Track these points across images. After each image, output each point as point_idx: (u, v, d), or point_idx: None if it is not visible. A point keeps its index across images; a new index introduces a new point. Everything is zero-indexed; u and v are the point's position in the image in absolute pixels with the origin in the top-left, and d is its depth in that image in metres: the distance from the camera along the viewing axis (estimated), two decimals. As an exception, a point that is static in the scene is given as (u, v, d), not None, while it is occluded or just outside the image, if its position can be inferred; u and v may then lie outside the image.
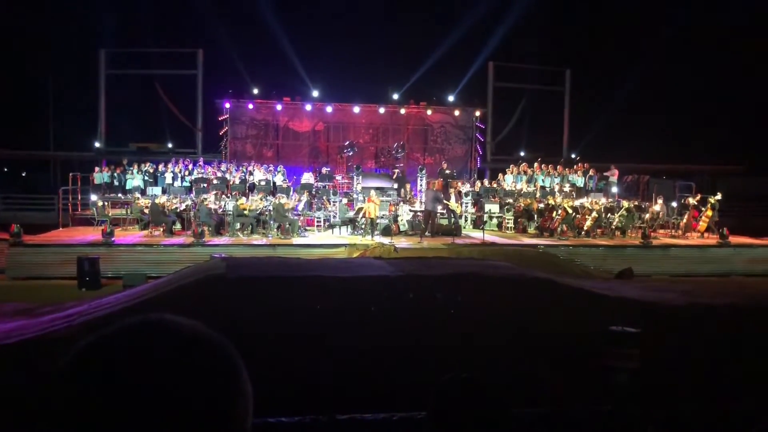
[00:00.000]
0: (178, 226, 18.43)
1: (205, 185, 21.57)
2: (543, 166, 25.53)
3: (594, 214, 19.56)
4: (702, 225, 20.03)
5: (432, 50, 29.38)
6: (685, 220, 20.45)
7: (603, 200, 22.08)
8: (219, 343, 0.90)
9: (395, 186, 22.67)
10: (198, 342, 0.88)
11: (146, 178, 22.76)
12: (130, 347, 0.85)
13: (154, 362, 0.83)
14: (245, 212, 18.33)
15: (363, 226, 18.42)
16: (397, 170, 24.49)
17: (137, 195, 20.64)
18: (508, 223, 20.83)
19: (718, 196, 20.23)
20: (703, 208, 20.22)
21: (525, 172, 25.17)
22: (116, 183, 22.67)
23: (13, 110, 31.03)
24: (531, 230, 20.40)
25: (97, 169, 22.91)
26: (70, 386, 0.82)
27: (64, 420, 0.81)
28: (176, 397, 0.82)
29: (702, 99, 31.41)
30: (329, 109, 28.04)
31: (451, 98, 29.30)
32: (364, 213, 18.22)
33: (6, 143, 29.06)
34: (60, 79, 31.09)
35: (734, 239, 19.00)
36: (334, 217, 19.73)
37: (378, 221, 18.66)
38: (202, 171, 23.21)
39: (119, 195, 22.06)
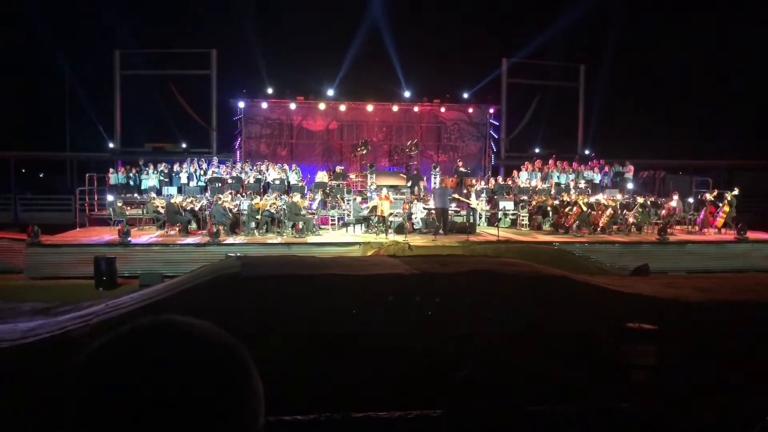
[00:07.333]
0: (193, 225, 18.55)
1: (220, 185, 21.67)
2: (558, 162, 25.38)
3: (609, 210, 19.43)
4: (719, 221, 19.84)
5: (445, 48, 29.29)
6: (701, 216, 20.27)
7: (618, 196, 21.93)
8: (228, 342, 0.91)
9: (409, 184, 22.66)
10: (207, 342, 0.89)
11: (161, 178, 22.87)
12: (140, 348, 0.87)
13: (163, 362, 0.85)
14: (260, 211, 18.40)
15: (376, 225, 18.42)
16: (410, 168, 24.47)
17: (153, 195, 20.77)
18: (522, 220, 20.74)
19: (736, 192, 20.03)
20: (720, 204, 20.02)
21: (540, 169, 25.04)
22: (132, 183, 22.82)
23: (29, 112, 31.36)
24: (546, 227, 20.31)
25: (112, 170, 23.06)
26: (83, 385, 0.85)
27: (79, 416, 0.83)
28: (184, 396, 0.83)
29: (718, 93, 31.09)
30: (342, 107, 28.07)
31: (465, 95, 29.21)
32: (377, 211, 18.24)
33: (23, 145, 29.36)
34: (75, 80, 31.35)
35: (752, 235, 18.80)
36: (348, 215, 19.75)
37: (391, 219, 18.65)
38: (217, 171, 23.30)
39: (135, 195, 22.21)
